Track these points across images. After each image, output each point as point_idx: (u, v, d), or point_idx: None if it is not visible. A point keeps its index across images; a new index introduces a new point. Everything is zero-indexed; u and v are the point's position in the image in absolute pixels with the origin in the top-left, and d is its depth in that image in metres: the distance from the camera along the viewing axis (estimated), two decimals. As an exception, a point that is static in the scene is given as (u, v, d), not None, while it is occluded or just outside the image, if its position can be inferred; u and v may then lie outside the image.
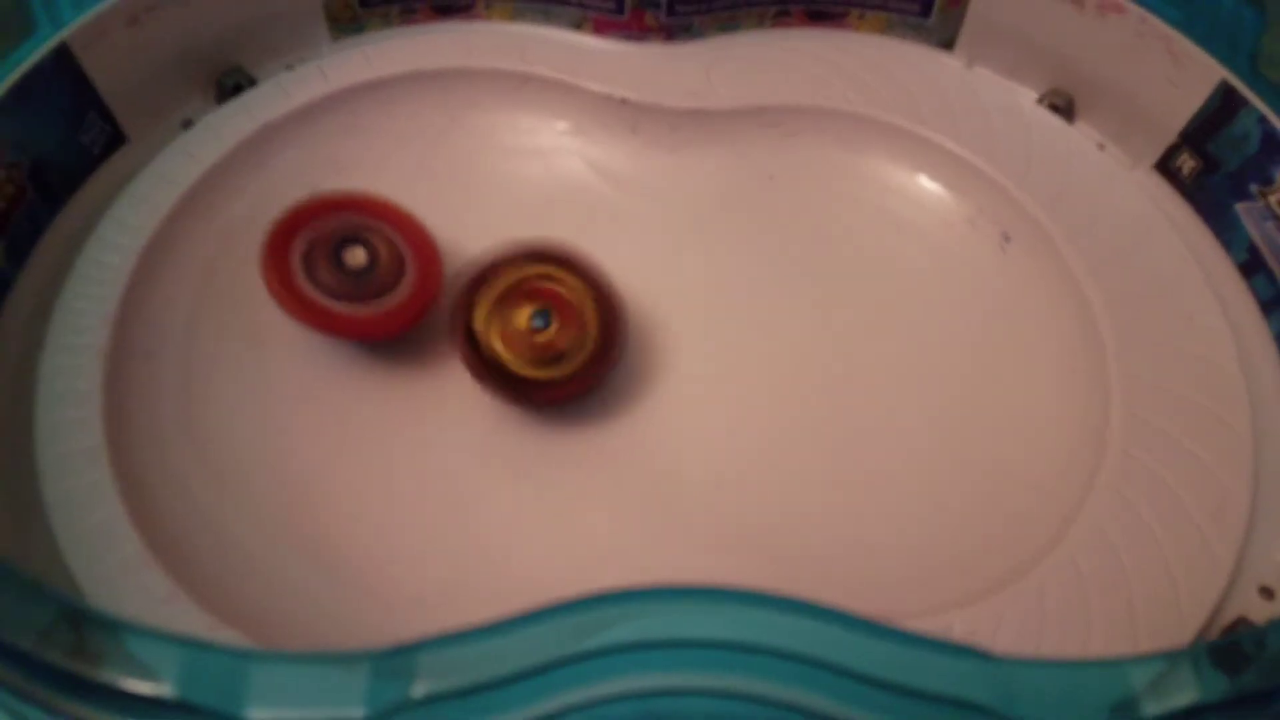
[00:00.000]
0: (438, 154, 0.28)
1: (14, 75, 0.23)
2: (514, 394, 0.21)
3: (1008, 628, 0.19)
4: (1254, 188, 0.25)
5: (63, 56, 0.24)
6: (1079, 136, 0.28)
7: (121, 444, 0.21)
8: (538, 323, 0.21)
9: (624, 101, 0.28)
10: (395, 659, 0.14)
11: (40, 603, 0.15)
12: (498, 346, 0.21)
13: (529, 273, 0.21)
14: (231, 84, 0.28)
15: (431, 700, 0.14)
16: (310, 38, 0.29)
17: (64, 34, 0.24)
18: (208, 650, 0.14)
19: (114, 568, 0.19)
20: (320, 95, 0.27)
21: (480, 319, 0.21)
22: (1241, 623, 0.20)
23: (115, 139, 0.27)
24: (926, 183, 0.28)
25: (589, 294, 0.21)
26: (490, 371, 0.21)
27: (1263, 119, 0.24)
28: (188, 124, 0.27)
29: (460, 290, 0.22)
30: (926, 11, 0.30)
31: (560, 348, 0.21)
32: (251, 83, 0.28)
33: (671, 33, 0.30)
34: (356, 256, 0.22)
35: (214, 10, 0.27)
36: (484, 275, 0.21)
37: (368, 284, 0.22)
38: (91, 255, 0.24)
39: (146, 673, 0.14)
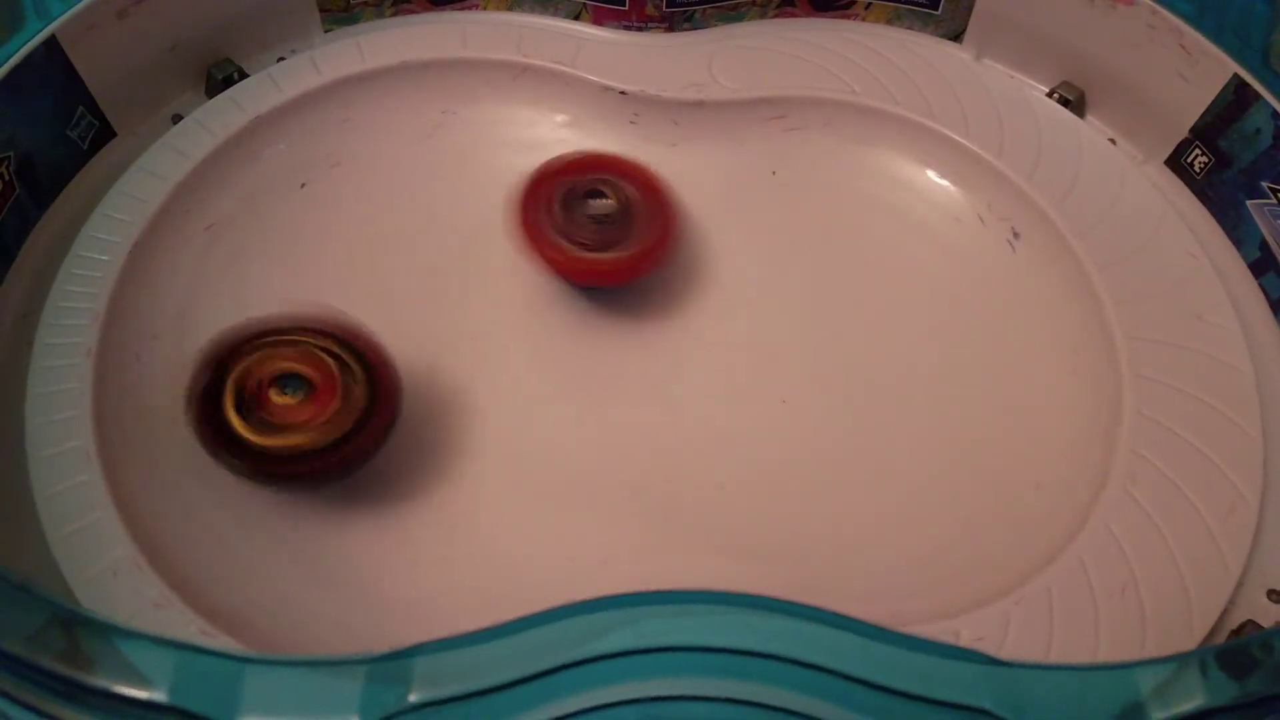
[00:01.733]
0: (432, 147, 0.28)
1: (2, 69, 0.23)
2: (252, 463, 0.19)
3: (1016, 632, 0.19)
4: (1266, 184, 0.25)
5: (51, 50, 0.24)
6: (1090, 131, 0.27)
7: (111, 445, 0.21)
8: (288, 388, 0.19)
9: (623, 93, 0.27)
10: (391, 664, 0.14)
11: (31, 606, 0.14)
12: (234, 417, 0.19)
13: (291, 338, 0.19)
14: (221, 76, 0.28)
15: (428, 706, 0.13)
16: (302, 29, 0.29)
17: (53, 27, 0.24)
18: (201, 655, 0.14)
19: (105, 571, 0.19)
20: (312, 87, 0.27)
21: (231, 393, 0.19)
22: (1249, 626, 0.20)
23: (104, 133, 0.26)
24: (935, 178, 0.27)
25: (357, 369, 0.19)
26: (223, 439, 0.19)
27: (1275, 114, 0.24)
28: (177, 118, 0.27)
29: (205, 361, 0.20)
30: (935, 2, 0.29)
31: (294, 419, 0.19)
32: (242, 75, 0.28)
33: (672, 23, 0.29)
34: (603, 205, 0.23)
35: (203, 2, 0.27)
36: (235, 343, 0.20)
37: (614, 231, 0.23)
38: (80, 253, 0.23)
39: (139, 678, 0.14)
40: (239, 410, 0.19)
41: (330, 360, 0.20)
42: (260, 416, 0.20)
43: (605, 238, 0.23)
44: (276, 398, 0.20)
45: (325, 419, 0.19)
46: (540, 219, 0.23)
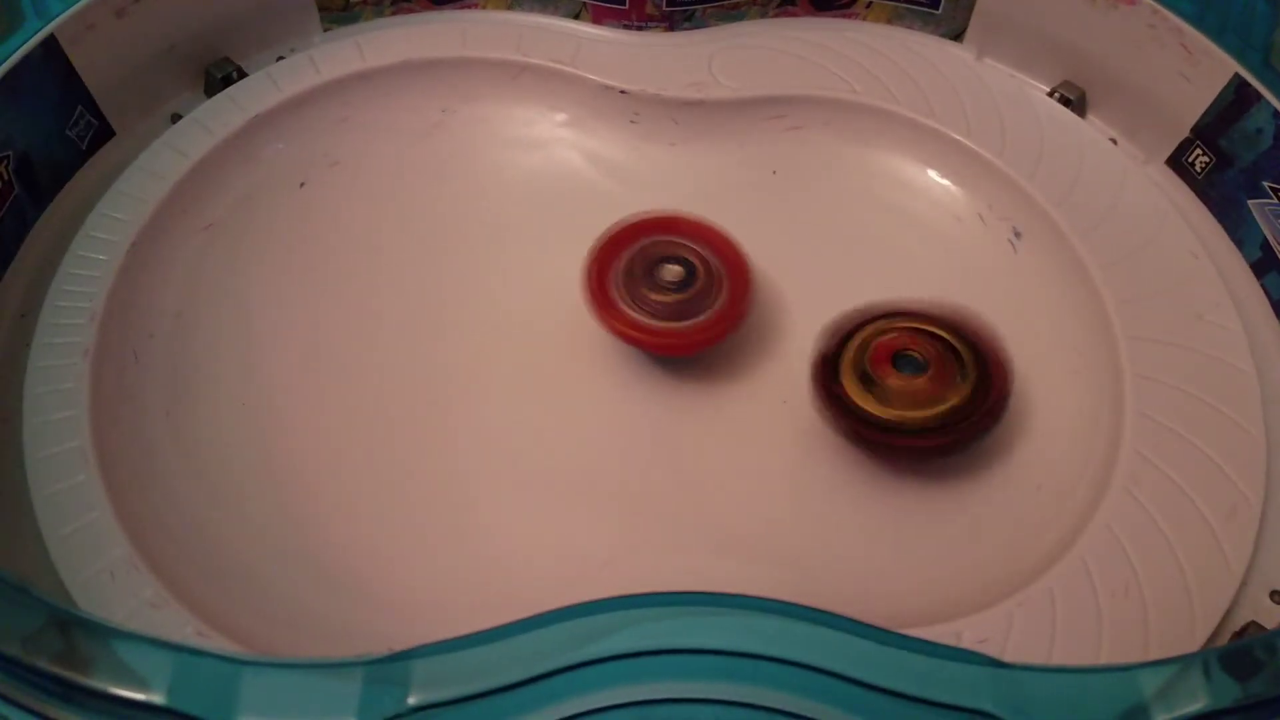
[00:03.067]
0: (432, 146, 0.28)
1: (1, 68, 0.23)
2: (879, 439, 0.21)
3: (1018, 633, 0.19)
4: (1267, 184, 0.24)
5: (50, 49, 0.24)
6: (1091, 130, 0.27)
7: (109, 445, 0.21)
8: (907, 369, 0.21)
9: (623, 92, 0.27)
10: (389, 667, 0.14)
11: (28, 607, 0.14)
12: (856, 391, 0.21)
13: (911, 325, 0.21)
14: (220, 76, 0.28)
15: (426, 709, 0.13)
16: (301, 28, 0.29)
17: (51, 26, 0.23)
18: (198, 656, 0.14)
19: (102, 571, 0.19)
20: (311, 86, 0.27)
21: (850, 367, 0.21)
22: (1252, 628, 0.20)
23: (103, 133, 0.26)
24: (936, 177, 0.27)
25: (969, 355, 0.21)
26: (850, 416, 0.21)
27: (1276, 114, 0.24)
28: (176, 117, 0.27)
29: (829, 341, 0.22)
30: (936, 2, 0.29)
31: (934, 393, 0.20)
32: (241, 74, 0.28)
33: (673, 22, 0.29)
34: (674, 273, 0.22)
35: (202, 1, 0.27)
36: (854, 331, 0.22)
37: (687, 302, 0.22)
38: (78, 253, 0.23)
39: (136, 679, 0.14)
40: (861, 380, 0.21)
41: (943, 347, 0.21)
42: (878, 388, 0.21)
43: (678, 307, 0.22)
44: (893, 377, 0.21)
45: (937, 400, 0.21)
46: (610, 289, 0.23)
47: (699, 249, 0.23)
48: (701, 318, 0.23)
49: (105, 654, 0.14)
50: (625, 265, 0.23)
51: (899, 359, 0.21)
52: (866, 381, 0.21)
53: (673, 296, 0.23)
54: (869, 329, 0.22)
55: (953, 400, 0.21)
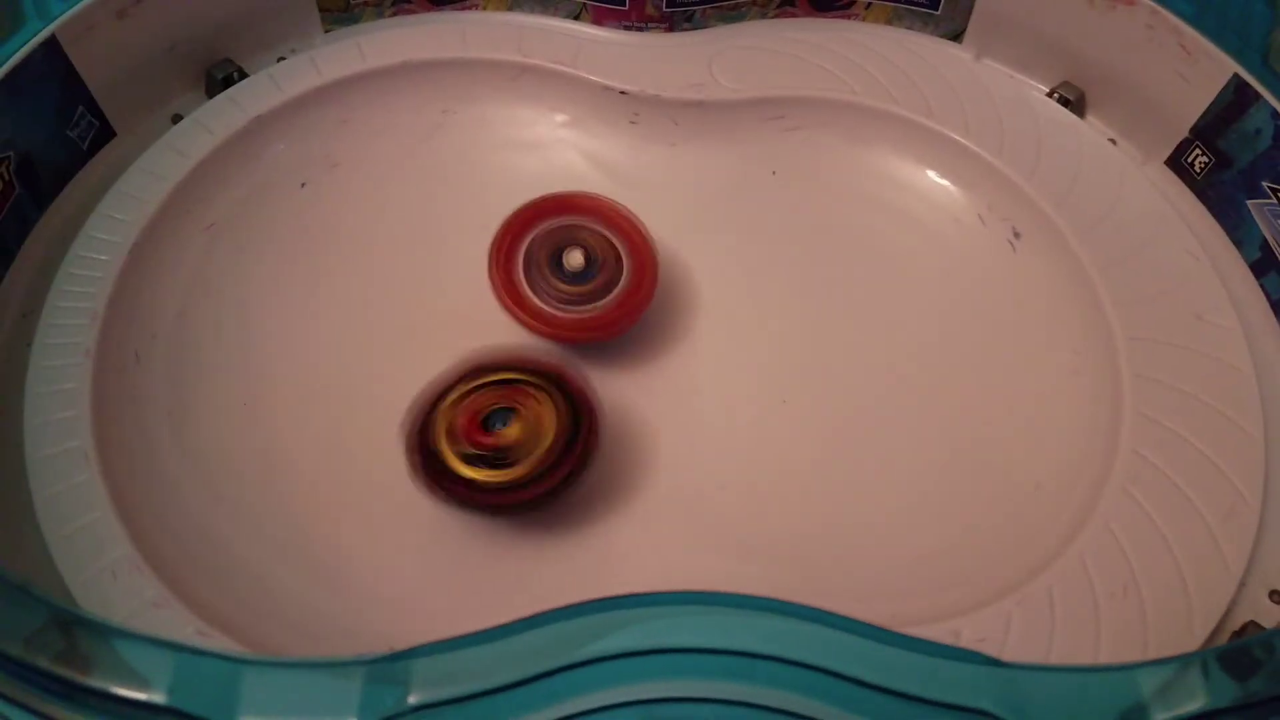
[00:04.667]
0: (432, 147, 0.28)
1: (2, 69, 0.23)
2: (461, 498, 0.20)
3: (1017, 633, 0.19)
4: (1266, 184, 0.24)
5: (51, 50, 0.24)
6: (1090, 131, 0.27)
7: (110, 446, 0.21)
8: (496, 424, 0.20)
9: (624, 93, 0.27)
10: (390, 666, 0.14)
11: (29, 607, 0.14)
12: (442, 443, 0.19)
13: (498, 378, 0.20)
14: (221, 76, 0.28)
15: (427, 708, 0.13)
16: (302, 28, 0.29)
17: (53, 27, 0.23)
18: (199, 656, 0.14)
19: (104, 571, 0.19)
20: (312, 87, 0.27)
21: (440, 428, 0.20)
22: (1251, 627, 0.20)
23: (104, 133, 0.26)
24: (935, 178, 0.27)
25: (554, 404, 0.20)
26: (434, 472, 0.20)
27: (1275, 114, 0.24)
28: (177, 118, 0.27)
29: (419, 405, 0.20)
30: (935, 2, 0.29)
31: (508, 447, 0.19)
32: (242, 75, 0.28)
33: (673, 22, 0.29)
34: (575, 260, 0.22)
35: (203, 1, 0.27)
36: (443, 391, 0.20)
37: (590, 287, 0.22)
38: (79, 253, 0.23)
39: (137, 679, 0.14)
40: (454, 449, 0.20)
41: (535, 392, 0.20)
42: (473, 453, 0.20)
43: (586, 291, 0.22)
44: (485, 436, 0.20)
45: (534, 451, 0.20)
46: (516, 281, 0.22)
47: (597, 228, 0.23)
48: (605, 301, 0.22)
49: (106, 653, 0.14)
50: (526, 256, 0.22)
51: (486, 421, 0.20)
52: (468, 455, 0.19)
53: (578, 287, 0.22)
54: (447, 405, 0.20)
55: (548, 437, 0.20)
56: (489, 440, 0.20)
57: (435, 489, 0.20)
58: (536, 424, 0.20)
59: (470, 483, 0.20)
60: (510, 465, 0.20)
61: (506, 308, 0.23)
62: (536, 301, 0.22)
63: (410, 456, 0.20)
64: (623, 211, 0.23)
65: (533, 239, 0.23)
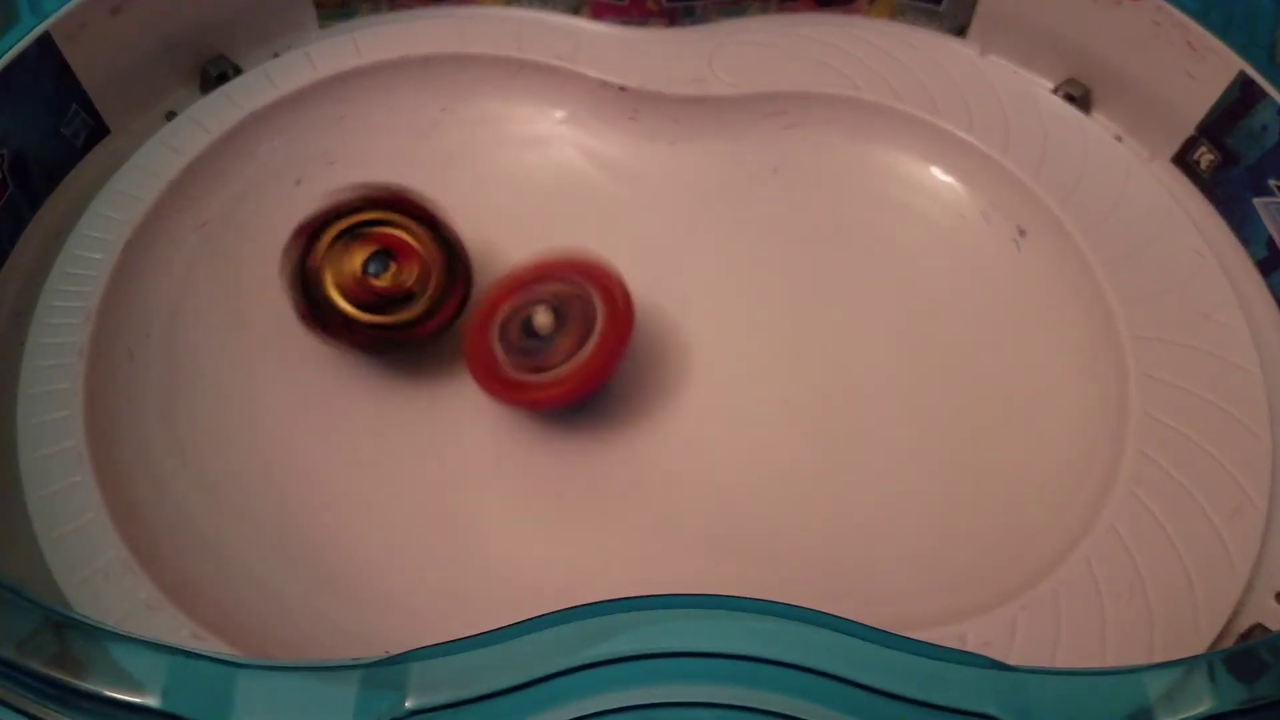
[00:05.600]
0: (430, 144, 0.27)
1: (-5, 65, 0.22)
2: (355, 339, 0.21)
3: (1022, 636, 0.19)
4: (1272, 182, 0.24)
5: (45, 47, 0.23)
6: (1096, 128, 0.27)
7: (104, 446, 0.20)
8: (373, 268, 0.21)
9: (623, 89, 0.27)
10: (386, 670, 0.14)
11: (22, 609, 0.14)
12: (335, 295, 0.21)
13: (362, 218, 0.21)
14: (216, 73, 0.27)
15: (424, 713, 0.13)
16: (297, 24, 0.29)
17: (46, 24, 0.23)
18: (194, 659, 0.14)
19: (97, 573, 0.19)
20: (308, 83, 0.26)
21: (316, 267, 0.21)
22: (1258, 630, 0.20)
23: (97, 131, 0.26)
24: (939, 174, 0.27)
25: (427, 234, 0.21)
26: (330, 320, 0.21)
27: (1282, 111, 0.24)
28: (171, 115, 0.27)
29: (292, 241, 0.21)
30: (938, -3, 0.29)
31: (406, 288, 0.21)
32: (237, 71, 0.28)
33: (673, 17, 0.29)
34: (543, 322, 0.21)
35: (198, -3, 0.27)
36: (313, 224, 0.21)
37: (553, 350, 0.21)
38: (73, 251, 0.23)
39: (131, 682, 0.13)
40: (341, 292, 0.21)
41: (396, 231, 0.21)
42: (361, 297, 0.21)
43: (552, 353, 0.21)
44: (377, 282, 0.21)
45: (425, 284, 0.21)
46: (493, 362, 0.22)
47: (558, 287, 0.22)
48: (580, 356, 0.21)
49: (100, 657, 0.14)
50: (501, 334, 0.22)
51: (369, 262, 0.21)
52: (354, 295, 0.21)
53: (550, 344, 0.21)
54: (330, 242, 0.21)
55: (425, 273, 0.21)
56: (380, 286, 0.21)
57: (334, 335, 0.21)
58: (417, 262, 0.21)
59: (375, 326, 0.21)
60: (405, 304, 0.21)
61: (503, 400, 0.22)
62: (519, 376, 0.21)
63: (293, 296, 0.21)
64: (570, 259, 0.22)
65: (500, 322, 0.22)
